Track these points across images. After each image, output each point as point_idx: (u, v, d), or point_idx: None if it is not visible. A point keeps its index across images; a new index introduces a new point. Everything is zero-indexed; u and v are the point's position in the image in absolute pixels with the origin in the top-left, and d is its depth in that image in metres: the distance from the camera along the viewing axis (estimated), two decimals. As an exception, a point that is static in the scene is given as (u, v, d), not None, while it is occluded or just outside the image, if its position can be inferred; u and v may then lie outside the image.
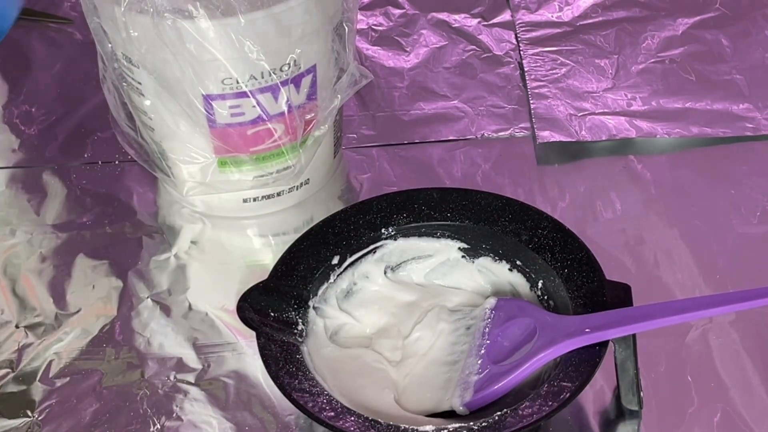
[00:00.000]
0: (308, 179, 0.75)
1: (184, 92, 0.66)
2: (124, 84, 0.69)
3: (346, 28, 0.69)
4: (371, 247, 0.68)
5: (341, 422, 0.57)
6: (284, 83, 0.67)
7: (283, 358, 0.60)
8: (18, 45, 0.93)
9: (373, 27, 0.92)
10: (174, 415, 0.64)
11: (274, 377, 0.59)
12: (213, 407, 0.65)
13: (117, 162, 0.81)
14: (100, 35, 0.67)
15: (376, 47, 0.90)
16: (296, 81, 0.68)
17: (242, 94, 0.66)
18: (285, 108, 0.68)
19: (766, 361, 0.65)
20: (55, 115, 0.86)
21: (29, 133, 0.85)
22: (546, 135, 0.81)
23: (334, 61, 0.70)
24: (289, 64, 0.66)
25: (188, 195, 0.74)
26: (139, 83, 0.68)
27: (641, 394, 0.61)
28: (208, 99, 0.67)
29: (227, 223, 0.76)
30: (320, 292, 0.66)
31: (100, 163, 0.81)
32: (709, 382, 0.64)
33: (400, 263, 0.68)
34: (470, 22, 0.92)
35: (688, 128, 0.81)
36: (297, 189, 0.75)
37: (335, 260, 0.66)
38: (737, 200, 0.76)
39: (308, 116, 0.70)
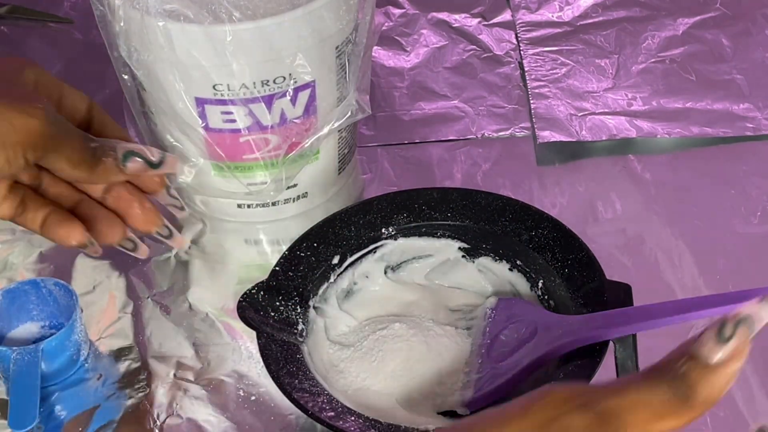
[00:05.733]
0: (306, 192, 0.75)
1: (175, 92, 0.66)
2: (124, 76, 0.69)
3: (352, 55, 0.68)
4: (372, 246, 0.68)
5: (341, 422, 0.57)
6: (278, 96, 0.67)
7: (284, 357, 0.60)
8: (18, 45, 0.93)
9: (373, 27, 0.92)
10: (174, 413, 0.64)
11: (275, 377, 0.59)
12: (213, 406, 0.65)
13: (117, 162, 0.81)
14: (104, 23, 0.67)
15: (376, 47, 0.90)
16: (292, 95, 0.67)
17: (233, 102, 0.66)
18: (278, 120, 0.68)
19: (766, 361, 0.65)
20: (55, 115, 0.86)
21: (29, 133, 0.84)
22: (546, 135, 0.81)
23: (337, 81, 0.69)
24: (283, 77, 0.66)
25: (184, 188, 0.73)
26: (139, 72, 0.68)
27: (641, 393, 0.61)
28: (201, 102, 0.67)
29: (227, 224, 0.76)
30: (320, 291, 0.66)
31: (100, 162, 0.81)
32: (709, 382, 0.64)
33: (401, 263, 0.68)
34: (470, 22, 0.92)
35: (688, 128, 0.81)
36: (293, 201, 0.75)
37: (335, 260, 0.66)
38: (737, 200, 0.76)
39: (306, 130, 0.70)
